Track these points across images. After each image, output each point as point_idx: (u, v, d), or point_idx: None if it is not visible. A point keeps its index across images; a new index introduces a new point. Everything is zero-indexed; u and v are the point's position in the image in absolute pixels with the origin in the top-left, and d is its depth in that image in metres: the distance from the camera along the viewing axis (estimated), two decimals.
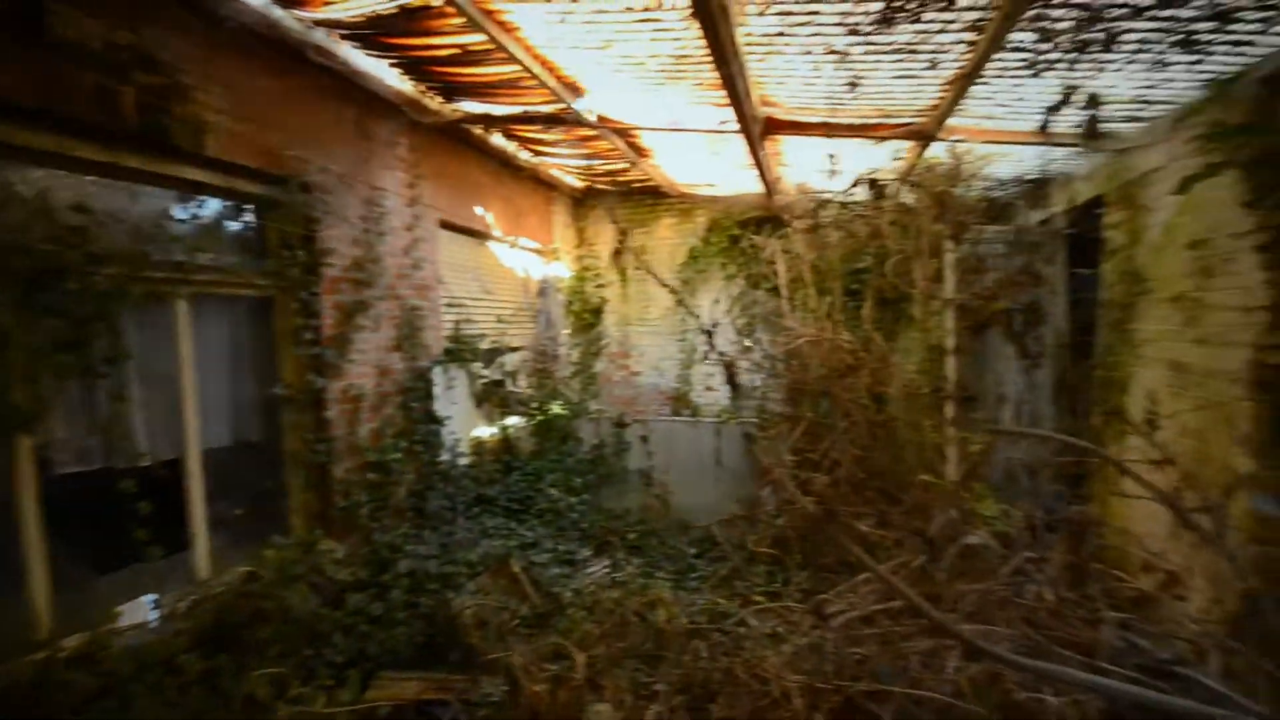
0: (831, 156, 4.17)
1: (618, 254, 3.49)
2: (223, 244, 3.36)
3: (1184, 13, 2.43)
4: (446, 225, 5.12)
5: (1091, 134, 2.23)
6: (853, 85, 2.67)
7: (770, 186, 5.67)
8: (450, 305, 5.18)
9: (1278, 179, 2.54)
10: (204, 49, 2.99)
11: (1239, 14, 2.42)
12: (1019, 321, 4.17)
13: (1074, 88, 2.26)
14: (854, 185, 2.60)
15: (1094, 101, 2.18)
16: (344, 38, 3.51)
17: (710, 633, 3.17)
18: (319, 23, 3.35)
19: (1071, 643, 1.68)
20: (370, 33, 3.47)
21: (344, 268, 3.81)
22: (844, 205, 5.31)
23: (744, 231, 6.99)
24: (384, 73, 3.90)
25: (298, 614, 3.09)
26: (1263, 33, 2.53)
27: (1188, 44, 2.63)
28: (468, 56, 3.64)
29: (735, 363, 2.61)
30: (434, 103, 4.42)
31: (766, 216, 6.56)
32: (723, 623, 3.28)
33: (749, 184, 5.96)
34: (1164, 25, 2.51)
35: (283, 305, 3.55)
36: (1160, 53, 2.71)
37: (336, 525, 3.68)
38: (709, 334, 2.41)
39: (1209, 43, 2.63)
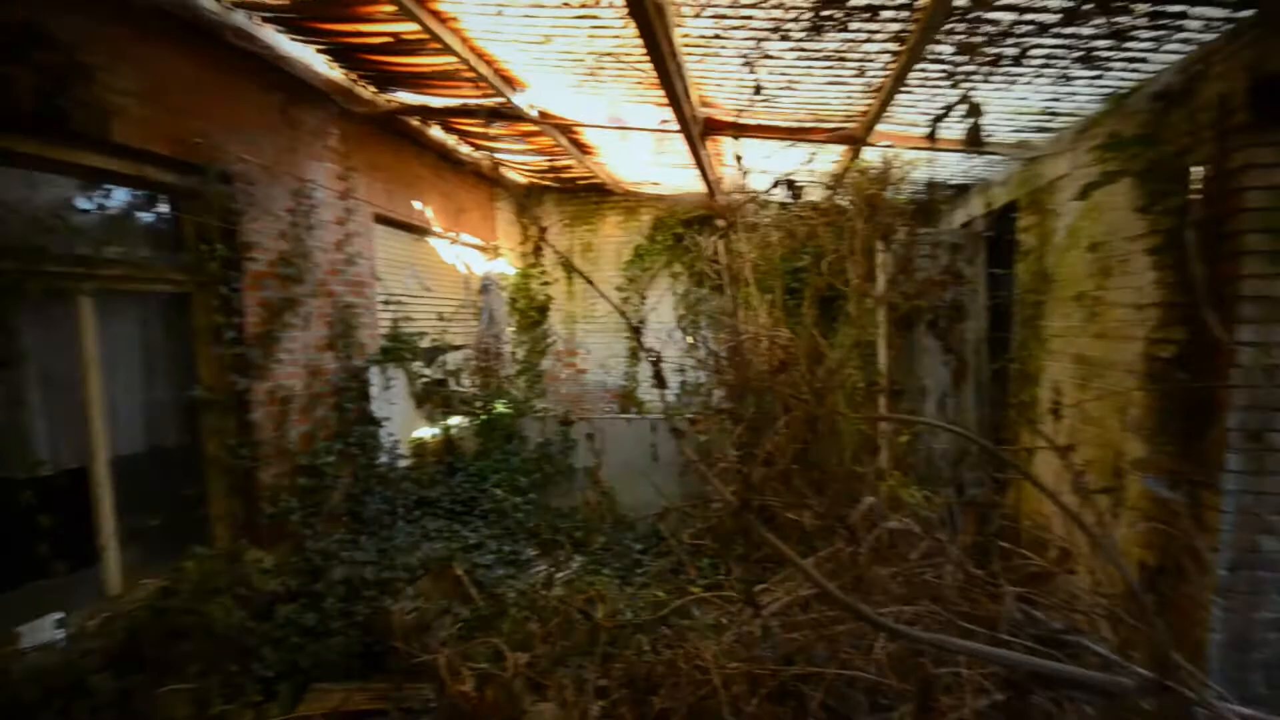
0: (739, 158, 4.27)
1: (538, 251, 3.46)
2: (133, 236, 3.15)
3: (1085, 30, 2.61)
4: (382, 220, 4.96)
5: (973, 141, 2.38)
6: (757, 90, 2.75)
7: (713, 186, 5.76)
8: (388, 302, 5.02)
9: (1167, 186, 2.78)
10: (111, 28, 2.79)
11: (1133, 33, 2.63)
12: (943, 318, 4.41)
13: (955, 101, 2.40)
14: (773, 186, 2.68)
15: (975, 111, 2.32)
16: (266, 20, 3.35)
17: (652, 626, 3.21)
18: (239, 4, 3.18)
19: (976, 617, 1.81)
20: (295, 16, 3.32)
21: (269, 262, 3.64)
22: (783, 206, 5.46)
23: (688, 230, 7.08)
24: (312, 59, 3.74)
25: (221, 628, 2.94)
26: (1155, 50, 2.75)
27: (1089, 60, 2.84)
28: (401, 45, 3.54)
29: (661, 358, 2.65)
30: (367, 92, 4.27)
31: (710, 215, 6.67)
32: (659, 614, 3.33)
33: (693, 183, 6.04)
34: (1067, 42, 2.70)
35: (201, 302, 3.36)
36: (1065, 68, 2.91)
37: (264, 533, 3.51)
38: (637, 330, 2.44)
39: (1108, 59, 2.85)
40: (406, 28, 3.29)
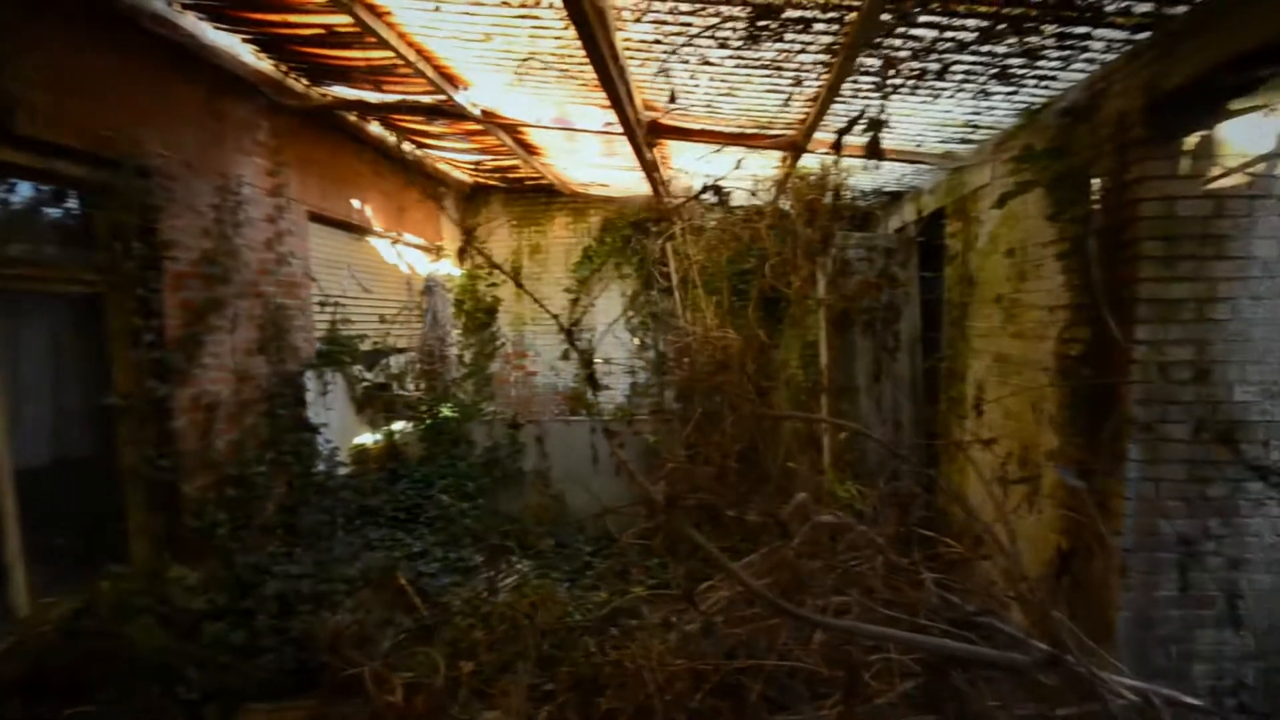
0: (655, 163, 4.35)
1: (463, 253, 3.41)
2: (39, 234, 2.94)
3: (1000, 49, 2.78)
4: (317, 218, 4.78)
5: (873, 153, 2.51)
6: (672, 98, 2.79)
7: (660, 189, 5.81)
8: (324, 304, 4.84)
9: (1072, 196, 2.98)
10: (14, 12, 2.59)
11: (1043, 52, 2.81)
12: (878, 320, 4.60)
13: (857, 115, 2.53)
14: (703, 191, 2.74)
15: (875, 125, 2.45)
16: (187, 7, 3.18)
17: (599, 627, 3.22)
18: None
19: (899, 604, 1.91)
20: (218, 4, 3.17)
21: (192, 262, 3.45)
22: (729, 210, 5.57)
23: (636, 232, 7.13)
24: (239, 49, 3.57)
25: (141, 650, 2.78)
26: (1063, 69, 2.95)
27: (1004, 77, 3.02)
28: (335, 38, 3.43)
29: (593, 360, 2.68)
30: (299, 85, 4.11)
31: (658, 218, 6.74)
32: (601, 614, 3.34)
33: (640, 185, 6.08)
34: (984, 59, 2.86)
35: (116, 303, 3.16)
36: (983, 83, 3.08)
37: (189, 549, 3.33)
38: (569, 333, 2.45)
39: (1021, 76, 3.03)
40: (339, 20, 3.19)
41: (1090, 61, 2.86)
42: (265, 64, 3.81)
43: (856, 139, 2.61)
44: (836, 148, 2.70)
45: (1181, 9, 2.34)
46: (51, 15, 2.74)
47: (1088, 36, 2.65)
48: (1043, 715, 1.56)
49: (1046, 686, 1.75)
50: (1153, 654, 2.77)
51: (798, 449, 4.26)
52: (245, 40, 3.57)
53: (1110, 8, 2.41)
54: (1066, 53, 2.80)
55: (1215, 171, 2.61)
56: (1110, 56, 2.78)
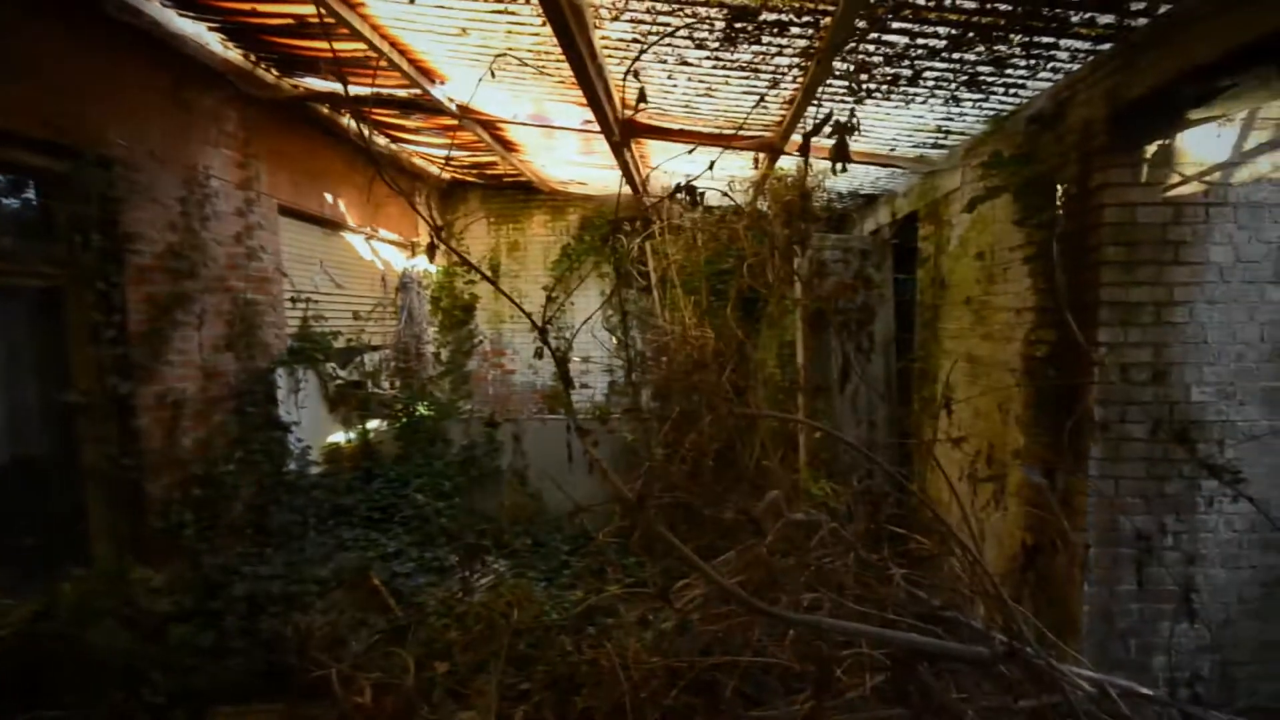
0: (640, 157, 4.35)
1: (432, 249, 3.39)
2: None
3: (970, 56, 2.84)
4: (289, 212, 4.69)
5: (840, 156, 2.55)
6: (641, 96, 2.79)
7: (639, 187, 5.81)
8: (295, 300, 4.75)
9: (1040, 202, 3.06)
10: None
11: (1011, 60, 2.88)
12: (854, 321, 4.67)
13: (823, 120, 2.56)
14: (676, 191, 2.74)
15: (841, 129, 2.49)
16: None
17: (575, 626, 3.22)
18: None
19: (868, 599, 1.95)
20: None
21: (156, 255, 3.36)
22: (707, 209, 5.59)
23: (614, 231, 7.11)
24: (206, 37, 3.49)
25: (104, 653, 2.70)
26: (1030, 77, 3.02)
27: (974, 84, 3.08)
28: (306, 29, 3.36)
29: (568, 358, 2.66)
30: (269, 76, 4.02)
31: (637, 216, 6.74)
32: (575, 612, 3.35)
33: (619, 183, 6.05)
34: (955, 66, 2.92)
35: (76, 297, 3.06)
36: (954, 90, 3.15)
37: (154, 550, 3.25)
38: (542, 331, 2.43)
39: (990, 84, 3.10)
40: (309, 10, 3.13)
41: (1056, 71, 2.93)
42: (234, 53, 3.72)
43: (826, 141, 2.63)
44: (804, 150, 2.73)
45: (1142, 21, 2.42)
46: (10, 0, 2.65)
47: (1054, 46, 2.72)
48: (1005, 707, 1.61)
49: (1011, 678, 1.80)
50: (1114, 647, 2.86)
51: (774, 448, 4.31)
52: (212, 29, 3.49)
53: (1075, 19, 2.47)
54: (1033, 62, 2.87)
55: (1174, 180, 2.70)
56: (1075, 66, 2.86)
